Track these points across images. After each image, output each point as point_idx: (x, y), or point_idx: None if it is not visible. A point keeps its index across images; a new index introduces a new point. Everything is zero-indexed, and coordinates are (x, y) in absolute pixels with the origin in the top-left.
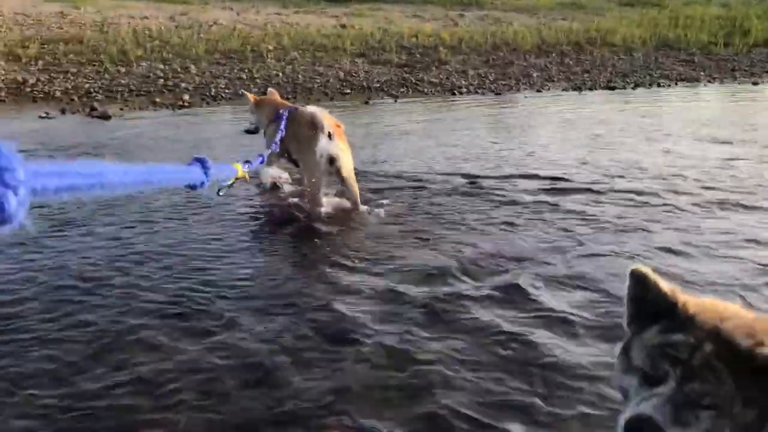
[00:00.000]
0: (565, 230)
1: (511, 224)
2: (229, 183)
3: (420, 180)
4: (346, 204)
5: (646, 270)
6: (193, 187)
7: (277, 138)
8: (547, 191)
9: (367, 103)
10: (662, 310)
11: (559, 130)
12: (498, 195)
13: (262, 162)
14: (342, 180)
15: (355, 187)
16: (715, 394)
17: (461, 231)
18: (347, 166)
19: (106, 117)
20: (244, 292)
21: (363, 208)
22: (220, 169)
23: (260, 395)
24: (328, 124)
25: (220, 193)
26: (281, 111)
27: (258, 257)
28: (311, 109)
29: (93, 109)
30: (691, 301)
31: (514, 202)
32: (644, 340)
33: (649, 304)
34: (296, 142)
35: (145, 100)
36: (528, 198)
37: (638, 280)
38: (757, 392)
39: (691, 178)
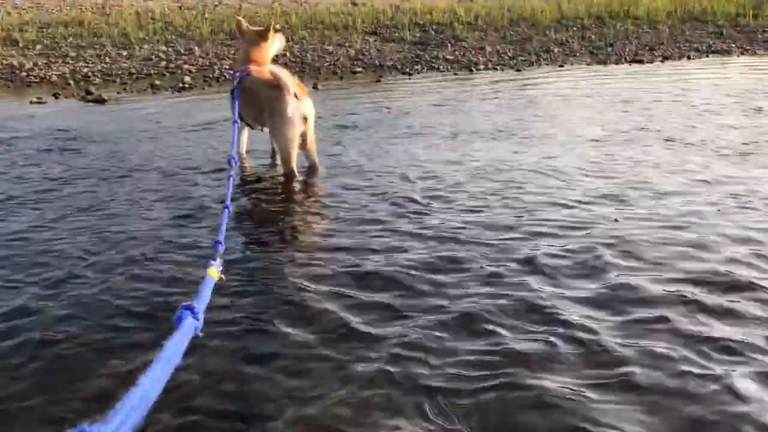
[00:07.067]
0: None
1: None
2: (219, 279)
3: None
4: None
5: None
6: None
7: (236, 111)
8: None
9: (378, 81)
10: None
11: (606, 106)
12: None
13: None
14: (305, 141)
15: (315, 148)
16: None
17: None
18: (313, 126)
19: (100, 101)
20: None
21: (322, 170)
22: (205, 296)
23: None
24: (292, 83)
25: (224, 278)
26: (236, 73)
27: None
28: (270, 68)
29: (88, 93)
30: None
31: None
32: None
33: None
34: (256, 107)
35: (145, 83)
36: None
37: None
38: None
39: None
